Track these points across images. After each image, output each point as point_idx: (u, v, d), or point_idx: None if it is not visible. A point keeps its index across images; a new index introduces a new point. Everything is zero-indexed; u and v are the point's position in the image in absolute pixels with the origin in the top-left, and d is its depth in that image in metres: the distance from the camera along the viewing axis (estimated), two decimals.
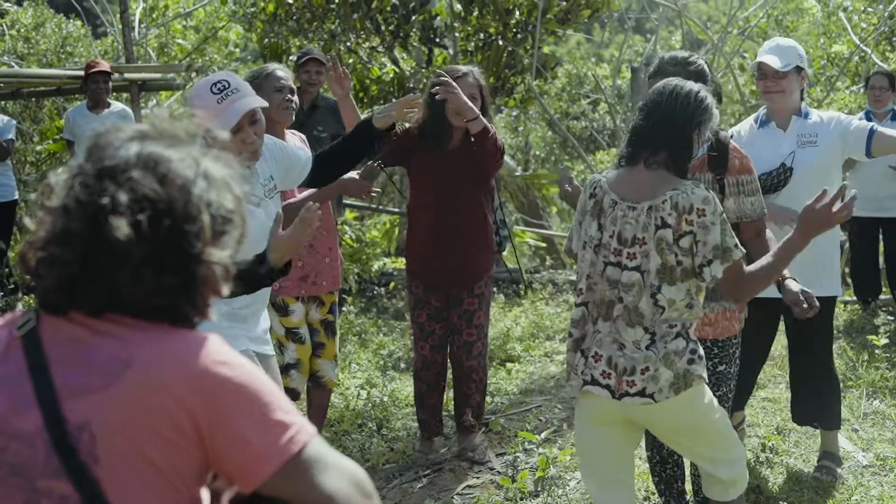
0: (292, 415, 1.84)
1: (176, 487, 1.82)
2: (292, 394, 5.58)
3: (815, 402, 5.52)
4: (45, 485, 1.78)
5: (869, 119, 8.06)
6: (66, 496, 1.77)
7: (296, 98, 5.45)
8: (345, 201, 10.30)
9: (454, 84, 5.30)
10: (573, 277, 10.78)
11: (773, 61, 5.16)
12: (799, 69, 5.24)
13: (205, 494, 1.91)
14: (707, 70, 4.54)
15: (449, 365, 6.02)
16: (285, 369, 5.51)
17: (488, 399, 6.66)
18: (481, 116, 5.41)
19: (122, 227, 1.77)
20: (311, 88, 7.32)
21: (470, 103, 5.35)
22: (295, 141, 5.50)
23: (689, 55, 4.60)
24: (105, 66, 9.79)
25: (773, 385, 7.11)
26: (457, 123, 5.54)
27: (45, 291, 1.86)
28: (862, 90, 9.54)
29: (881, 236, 8.67)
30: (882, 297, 9.23)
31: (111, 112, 9.62)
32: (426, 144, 5.65)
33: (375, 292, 10.31)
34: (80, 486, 1.77)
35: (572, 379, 3.86)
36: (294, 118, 5.47)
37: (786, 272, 4.03)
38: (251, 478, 1.80)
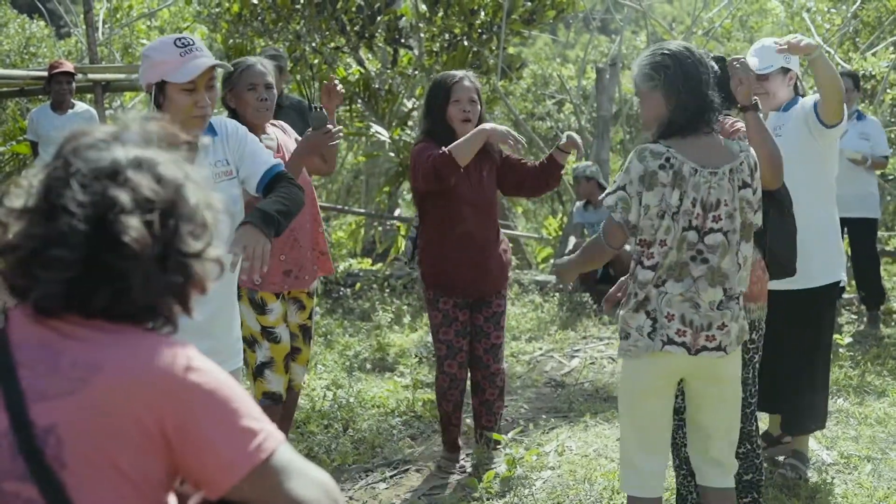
0: (260, 421, 1.84)
1: (143, 492, 1.81)
2: (273, 397, 5.22)
3: (814, 408, 5.41)
4: (12, 487, 1.77)
5: None
6: (31, 500, 1.76)
7: (272, 94, 5.16)
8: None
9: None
10: (539, 277, 10.81)
11: (753, 63, 5.16)
12: (786, 70, 5.23)
13: (171, 499, 1.90)
14: None
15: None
16: (259, 369, 5.20)
17: None
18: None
19: (134, 227, 1.77)
20: None
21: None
22: (276, 132, 5.30)
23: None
24: (68, 66, 9.74)
25: None
26: (459, 130, 5.49)
27: (41, 295, 1.82)
28: None
29: (846, 236, 8.70)
30: (845, 296, 9.30)
31: (75, 113, 9.57)
32: None
33: (341, 293, 10.29)
34: (45, 491, 1.75)
35: (637, 340, 3.92)
36: (271, 117, 5.22)
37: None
38: (219, 484, 1.80)
